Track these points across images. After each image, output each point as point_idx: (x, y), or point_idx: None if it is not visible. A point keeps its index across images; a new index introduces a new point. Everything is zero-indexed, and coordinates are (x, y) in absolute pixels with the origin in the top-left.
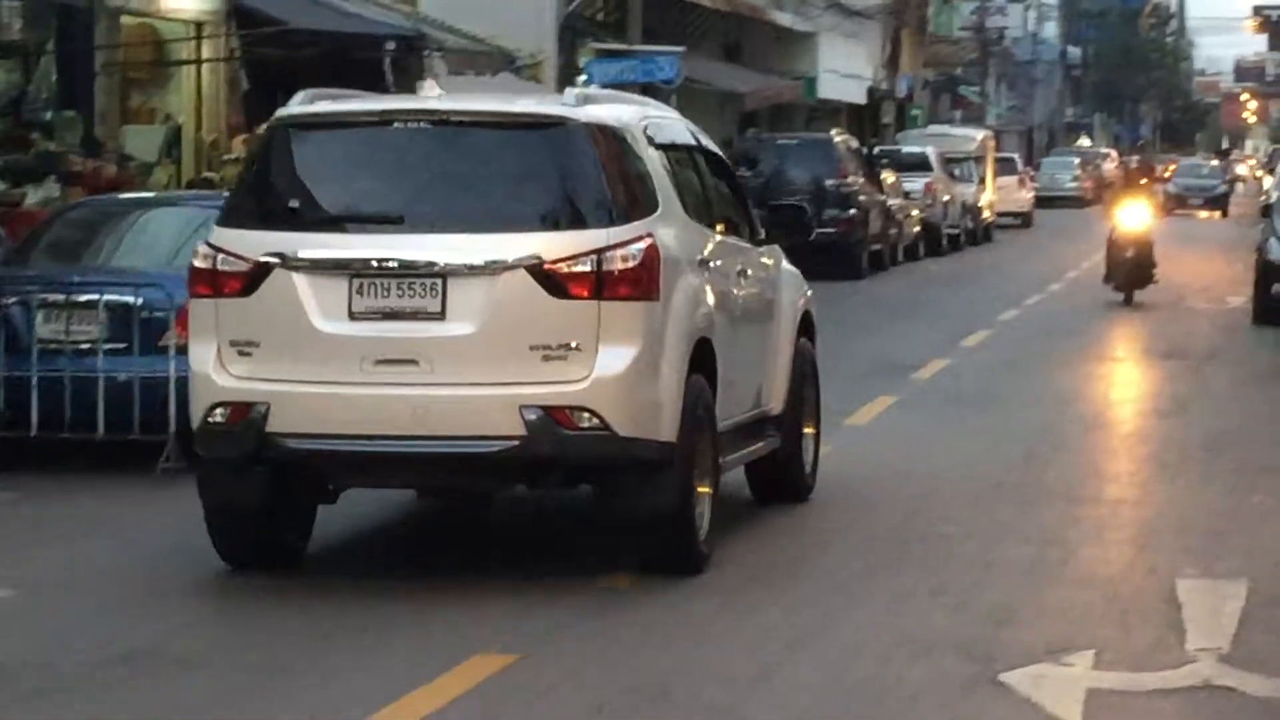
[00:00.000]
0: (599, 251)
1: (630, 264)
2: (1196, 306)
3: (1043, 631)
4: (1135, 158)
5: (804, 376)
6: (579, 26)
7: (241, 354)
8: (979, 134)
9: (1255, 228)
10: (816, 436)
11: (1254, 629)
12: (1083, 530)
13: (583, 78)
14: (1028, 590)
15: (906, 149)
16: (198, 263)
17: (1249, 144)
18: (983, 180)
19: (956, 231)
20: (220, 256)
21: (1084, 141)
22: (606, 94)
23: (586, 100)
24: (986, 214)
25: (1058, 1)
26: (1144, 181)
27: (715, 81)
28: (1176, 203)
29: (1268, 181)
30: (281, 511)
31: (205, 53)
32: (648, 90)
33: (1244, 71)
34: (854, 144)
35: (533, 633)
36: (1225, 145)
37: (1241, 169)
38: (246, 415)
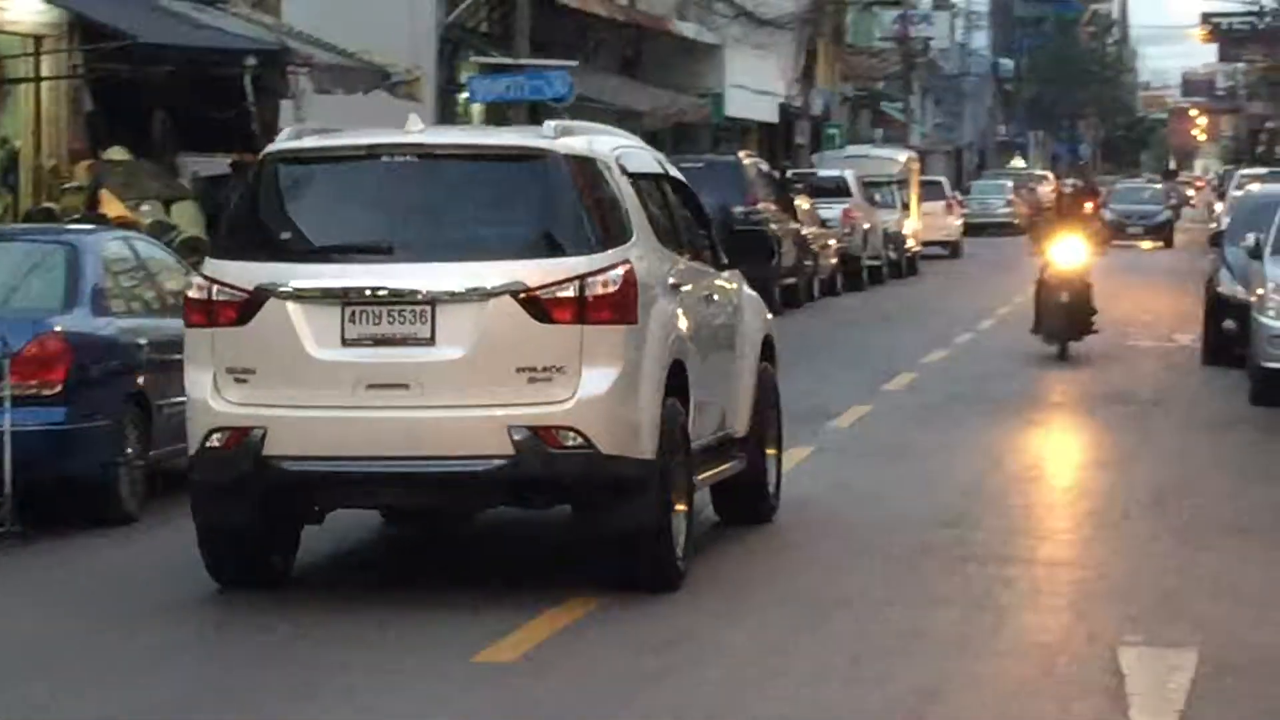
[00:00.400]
0: (581, 278)
1: (610, 289)
2: (1141, 345)
3: (973, 709)
4: (1072, 181)
5: (766, 399)
6: (460, 39)
7: (238, 380)
8: (902, 155)
9: (1205, 258)
10: (779, 458)
11: (1205, 703)
12: (1016, 594)
13: (464, 95)
14: (956, 662)
15: (823, 172)
16: (193, 294)
17: (1198, 164)
18: (907, 206)
19: (878, 263)
20: (215, 288)
21: (1018, 162)
22: (582, 125)
23: (565, 132)
24: (911, 243)
25: (988, 9)
26: (1087, 208)
27: (612, 99)
28: (1113, 231)
29: (1218, 206)
30: (271, 532)
31: (44, 70)
32: (536, 109)
33: (1192, 85)
34: (764, 167)
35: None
36: (1172, 165)
37: (1190, 191)
38: (243, 439)
